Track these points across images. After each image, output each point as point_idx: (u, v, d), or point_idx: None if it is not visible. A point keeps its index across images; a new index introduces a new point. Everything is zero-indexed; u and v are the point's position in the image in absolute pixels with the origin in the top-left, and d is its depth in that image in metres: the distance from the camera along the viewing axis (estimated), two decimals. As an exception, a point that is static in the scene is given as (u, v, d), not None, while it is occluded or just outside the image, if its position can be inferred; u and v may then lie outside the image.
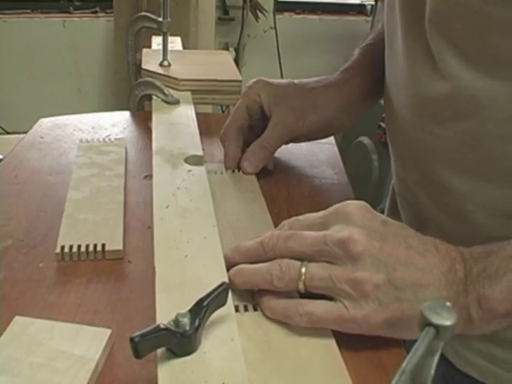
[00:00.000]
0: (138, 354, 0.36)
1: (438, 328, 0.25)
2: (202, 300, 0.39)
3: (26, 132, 0.76)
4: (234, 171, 0.67)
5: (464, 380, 0.60)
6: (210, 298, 0.39)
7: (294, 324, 0.43)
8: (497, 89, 0.45)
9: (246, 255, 0.47)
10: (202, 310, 0.38)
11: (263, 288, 0.45)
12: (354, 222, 0.43)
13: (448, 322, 0.25)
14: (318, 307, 0.42)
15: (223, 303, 0.40)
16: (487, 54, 0.45)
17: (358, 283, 0.41)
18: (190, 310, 0.38)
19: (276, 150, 0.67)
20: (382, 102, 0.67)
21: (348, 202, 0.45)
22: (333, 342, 0.43)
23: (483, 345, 0.57)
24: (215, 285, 0.40)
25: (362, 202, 0.45)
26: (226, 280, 0.45)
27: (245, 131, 0.68)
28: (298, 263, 0.43)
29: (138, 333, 0.36)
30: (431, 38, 0.50)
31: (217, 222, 0.52)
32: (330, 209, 0.46)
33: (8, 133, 2.32)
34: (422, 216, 0.59)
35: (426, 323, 0.25)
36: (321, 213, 0.46)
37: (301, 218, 0.47)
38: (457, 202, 0.53)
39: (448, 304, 0.26)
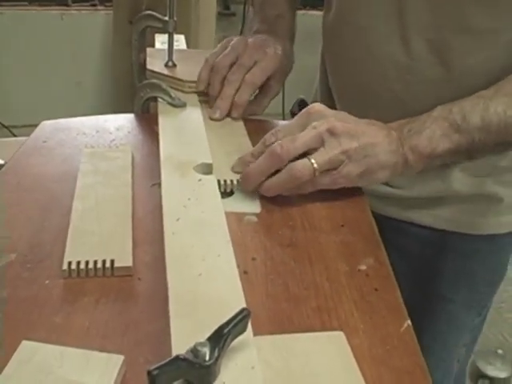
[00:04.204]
0: None
1: (492, 380, 0.23)
2: (221, 328, 0.36)
3: (23, 126, 0.74)
4: None
5: (442, 235, 0.81)
6: (230, 326, 0.37)
7: (304, 192, 0.61)
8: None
9: (264, 168, 0.60)
10: (221, 338, 0.36)
11: (291, 187, 0.60)
12: (325, 115, 0.62)
13: (503, 374, 0.23)
14: (319, 177, 0.60)
15: (243, 330, 0.38)
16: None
17: (346, 151, 0.59)
18: (210, 339, 0.36)
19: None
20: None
21: (311, 105, 0.64)
22: (356, 370, 0.41)
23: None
24: (235, 311, 0.38)
25: (318, 103, 0.64)
26: (243, 300, 0.43)
27: None
28: (306, 160, 0.59)
29: (155, 365, 0.34)
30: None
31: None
32: (302, 113, 0.63)
33: (5, 127, 2.29)
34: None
35: (480, 375, 0.23)
36: (295, 118, 0.63)
37: (279, 127, 0.63)
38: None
39: (500, 352, 0.24)
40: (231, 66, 0.78)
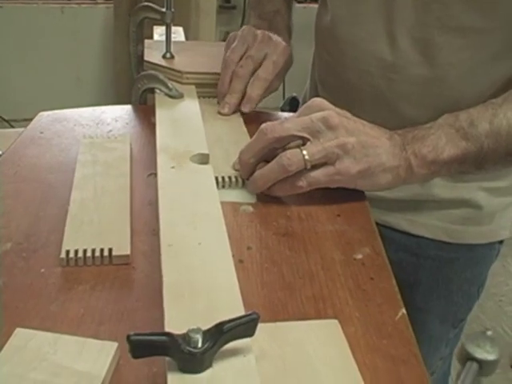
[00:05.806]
0: (132, 354, 0.34)
1: (481, 363, 0.23)
2: (222, 323, 0.36)
3: (23, 120, 0.74)
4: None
5: (419, 241, 0.80)
6: (231, 324, 0.36)
7: (299, 190, 0.58)
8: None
9: (252, 147, 0.60)
10: (218, 333, 0.35)
11: (280, 178, 0.58)
12: (324, 107, 0.59)
13: (492, 357, 0.23)
14: (312, 172, 0.57)
15: (249, 334, 0.37)
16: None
17: (342, 144, 0.56)
18: (207, 330, 0.36)
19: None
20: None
21: (312, 99, 0.61)
22: (351, 358, 0.41)
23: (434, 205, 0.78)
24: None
25: (320, 98, 0.61)
26: (237, 289, 0.43)
27: None
28: (296, 149, 0.57)
29: (137, 332, 0.34)
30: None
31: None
32: (303, 107, 0.61)
33: (6, 121, 2.29)
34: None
35: (469, 357, 0.23)
36: (297, 113, 0.61)
37: (279, 121, 0.60)
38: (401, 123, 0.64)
39: (489, 333, 0.24)
40: (241, 59, 0.76)
